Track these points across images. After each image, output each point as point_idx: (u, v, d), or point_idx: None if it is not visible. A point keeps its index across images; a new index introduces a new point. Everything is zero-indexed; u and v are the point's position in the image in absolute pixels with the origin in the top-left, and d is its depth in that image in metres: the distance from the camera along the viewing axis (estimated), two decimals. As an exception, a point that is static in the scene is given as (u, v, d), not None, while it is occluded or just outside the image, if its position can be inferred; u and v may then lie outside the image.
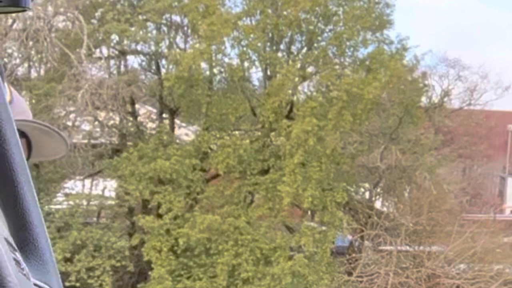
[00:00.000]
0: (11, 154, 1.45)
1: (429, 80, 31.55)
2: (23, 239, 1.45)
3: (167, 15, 28.74)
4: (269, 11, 27.78)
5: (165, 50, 28.83)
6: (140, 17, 27.85)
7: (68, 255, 26.24)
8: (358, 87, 26.59)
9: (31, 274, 1.42)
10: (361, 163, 28.46)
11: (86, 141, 27.87)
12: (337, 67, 28.58)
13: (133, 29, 27.48)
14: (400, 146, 28.01)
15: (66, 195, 28.35)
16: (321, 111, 26.78)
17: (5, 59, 27.31)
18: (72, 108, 27.43)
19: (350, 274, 27.02)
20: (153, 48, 28.96)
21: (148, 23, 28.47)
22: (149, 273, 26.79)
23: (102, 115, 28.03)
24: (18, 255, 1.41)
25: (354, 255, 27.44)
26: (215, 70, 28.56)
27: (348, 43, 28.30)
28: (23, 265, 1.40)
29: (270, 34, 28.21)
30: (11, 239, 1.43)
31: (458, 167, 33.46)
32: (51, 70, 27.39)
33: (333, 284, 26.73)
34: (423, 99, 30.64)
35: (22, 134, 2.27)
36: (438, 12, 61.27)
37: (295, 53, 28.91)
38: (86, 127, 28.69)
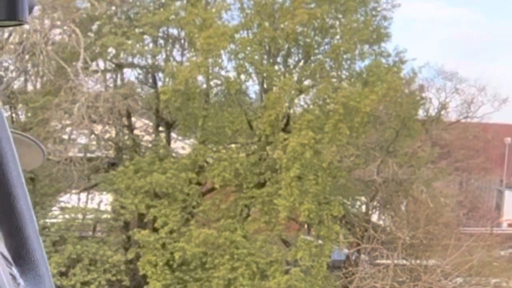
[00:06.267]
0: (8, 168, 1.44)
1: (426, 93, 31.52)
2: (20, 253, 1.44)
3: (164, 28, 28.72)
4: (266, 24, 27.76)
5: (162, 63, 28.79)
6: (137, 30, 27.81)
7: (63, 269, 26.11)
8: (355, 100, 26.54)
9: None
10: (358, 176, 28.37)
11: (82, 154, 27.77)
12: (334, 80, 28.54)
13: (129, 42, 27.43)
14: (397, 159, 27.95)
15: (62, 208, 28.22)
16: (317, 124, 26.72)
17: (2, 73, 27.24)
18: (68, 122, 27.35)
19: (346, 288, 26.92)
20: (149, 61, 28.93)
21: (145, 36, 28.43)
22: (145, 287, 26.65)
23: (98, 128, 27.96)
24: (14, 270, 1.41)
25: (350, 269, 27.34)
26: (211, 83, 28.53)
27: (345, 56, 28.26)
28: (19, 279, 1.41)
29: (267, 47, 28.17)
30: (7, 254, 1.43)
31: (455, 180, 33.36)
32: (48, 83, 27.32)
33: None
34: (420, 112, 30.60)
35: None
36: (436, 25, 61.37)
37: (292, 66, 28.87)
38: (82, 140, 28.62)
